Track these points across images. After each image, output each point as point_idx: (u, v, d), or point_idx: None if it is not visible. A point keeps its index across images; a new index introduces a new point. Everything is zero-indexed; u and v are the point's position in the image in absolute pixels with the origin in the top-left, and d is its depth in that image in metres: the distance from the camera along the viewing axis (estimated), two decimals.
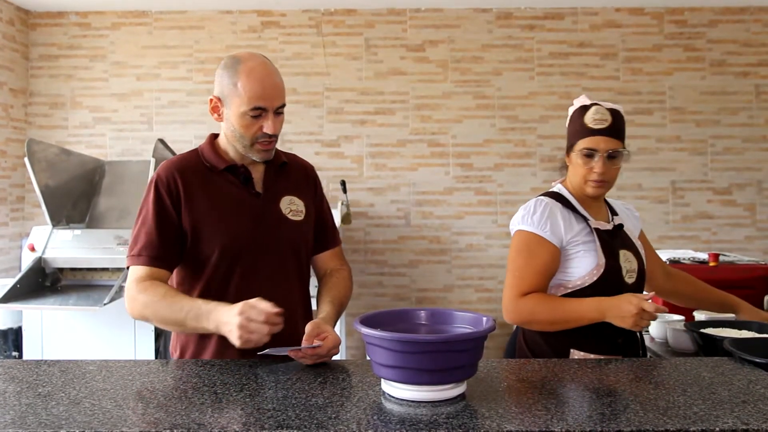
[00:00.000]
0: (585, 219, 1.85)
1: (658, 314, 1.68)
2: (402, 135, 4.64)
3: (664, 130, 4.60)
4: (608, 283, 1.78)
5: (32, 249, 3.68)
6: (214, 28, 4.65)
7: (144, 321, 1.61)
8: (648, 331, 2.40)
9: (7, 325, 3.87)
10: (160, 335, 3.70)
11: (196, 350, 1.65)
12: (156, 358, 3.65)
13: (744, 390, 1.27)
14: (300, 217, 1.72)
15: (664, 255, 2.73)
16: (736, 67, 4.60)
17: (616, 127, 1.82)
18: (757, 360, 1.45)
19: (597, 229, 1.84)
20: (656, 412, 1.13)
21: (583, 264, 1.80)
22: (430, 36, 4.64)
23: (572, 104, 1.91)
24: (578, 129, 1.86)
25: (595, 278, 1.79)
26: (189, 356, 1.65)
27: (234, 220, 1.63)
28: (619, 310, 1.68)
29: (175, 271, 1.68)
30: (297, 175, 1.79)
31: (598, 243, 1.82)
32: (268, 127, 1.60)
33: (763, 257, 4.41)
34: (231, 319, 1.42)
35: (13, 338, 3.88)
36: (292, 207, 1.72)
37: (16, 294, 3.43)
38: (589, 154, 1.82)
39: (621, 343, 1.80)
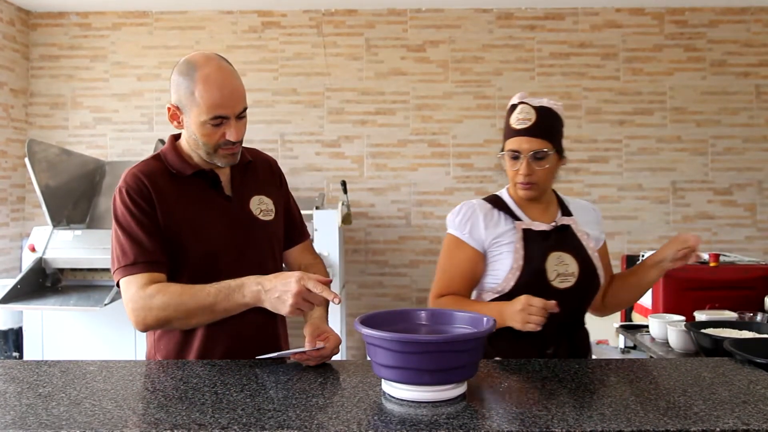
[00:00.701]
0: (516, 220, 1.78)
1: (550, 310, 1.55)
2: (402, 135, 4.64)
3: (665, 130, 4.60)
4: (530, 288, 1.68)
5: (33, 249, 3.68)
6: (214, 28, 4.66)
7: (161, 327, 1.52)
8: (649, 331, 2.40)
9: (7, 325, 3.88)
10: None
11: (179, 355, 1.60)
12: None
13: (744, 390, 1.27)
14: (270, 217, 1.68)
15: None
16: (737, 68, 4.60)
17: (541, 127, 1.73)
18: (758, 360, 1.45)
19: (528, 230, 1.76)
20: (657, 413, 1.13)
21: (504, 266, 1.74)
22: (430, 36, 4.64)
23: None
24: (505, 129, 1.80)
25: (512, 283, 1.72)
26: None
27: (209, 226, 1.58)
28: (512, 311, 1.59)
29: None
30: (263, 173, 1.75)
31: (519, 244, 1.74)
32: (230, 135, 1.52)
33: (763, 257, 4.41)
34: (285, 287, 1.39)
35: (14, 339, 3.88)
36: (262, 207, 1.67)
37: (16, 294, 3.43)
38: (514, 156, 1.75)
39: (552, 353, 1.71)
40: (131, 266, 1.50)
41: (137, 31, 4.68)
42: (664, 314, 2.40)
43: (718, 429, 1.05)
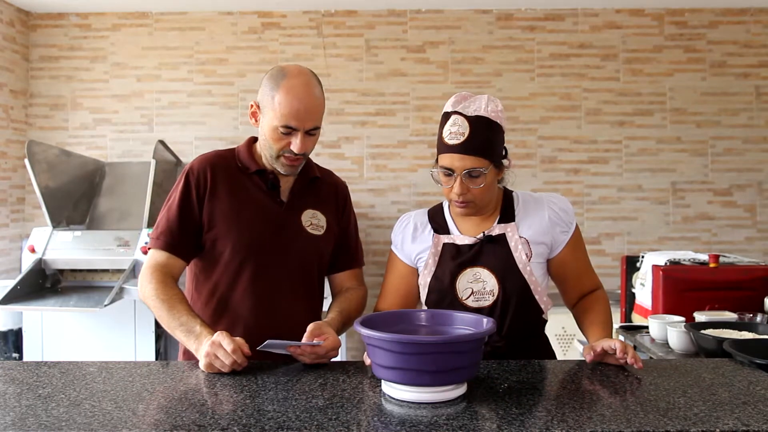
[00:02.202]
0: (445, 233, 1.69)
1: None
2: (402, 136, 4.64)
3: (665, 131, 4.60)
4: (442, 306, 1.61)
5: (32, 250, 3.68)
6: (214, 29, 4.66)
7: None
8: (649, 332, 2.40)
9: (7, 326, 3.87)
10: (161, 337, 3.69)
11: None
12: (156, 359, 3.65)
13: (744, 391, 1.27)
14: (319, 232, 1.73)
15: (664, 256, 2.72)
16: (737, 69, 4.60)
17: (475, 142, 1.55)
18: (758, 361, 1.45)
19: (448, 245, 1.66)
20: (656, 413, 1.13)
21: (422, 283, 1.70)
22: (430, 37, 4.64)
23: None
24: (437, 142, 1.64)
25: (423, 300, 1.68)
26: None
27: (251, 222, 1.66)
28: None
29: (192, 264, 1.73)
30: (326, 192, 1.81)
31: (432, 260, 1.66)
32: (294, 146, 1.62)
33: (763, 258, 4.41)
34: (204, 344, 1.45)
35: (14, 339, 3.88)
36: (314, 221, 1.74)
37: (16, 295, 3.43)
38: (447, 173, 1.60)
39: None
40: (155, 240, 1.66)
41: (137, 32, 4.67)
42: (664, 315, 2.40)
43: (717, 430, 1.05)
